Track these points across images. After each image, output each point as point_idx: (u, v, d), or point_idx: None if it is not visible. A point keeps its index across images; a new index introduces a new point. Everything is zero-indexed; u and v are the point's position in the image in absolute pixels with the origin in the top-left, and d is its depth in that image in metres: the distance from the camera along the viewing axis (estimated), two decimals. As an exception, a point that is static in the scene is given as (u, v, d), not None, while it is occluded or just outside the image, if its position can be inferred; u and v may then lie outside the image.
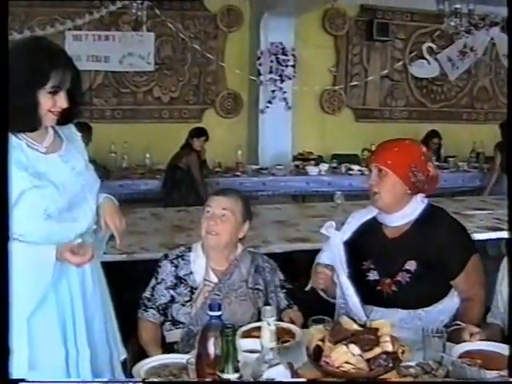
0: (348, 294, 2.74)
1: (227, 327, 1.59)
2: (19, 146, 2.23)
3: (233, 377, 1.55)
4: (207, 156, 7.80)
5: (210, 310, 1.76)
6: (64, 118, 2.34)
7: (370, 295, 2.75)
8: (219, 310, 1.76)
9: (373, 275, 2.78)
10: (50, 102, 2.24)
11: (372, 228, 2.85)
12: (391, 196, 2.71)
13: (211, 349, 1.75)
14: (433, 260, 2.69)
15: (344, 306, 2.77)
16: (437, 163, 8.29)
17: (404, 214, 2.76)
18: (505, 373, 2.08)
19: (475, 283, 2.73)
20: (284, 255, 4.01)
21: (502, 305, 2.58)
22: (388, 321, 2.42)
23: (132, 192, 7.34)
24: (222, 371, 1.56)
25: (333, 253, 2.78)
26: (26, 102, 2.19)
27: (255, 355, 1.85)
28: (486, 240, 4.70)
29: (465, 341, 2.34)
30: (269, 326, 1.66)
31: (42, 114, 2.25)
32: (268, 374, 1.63)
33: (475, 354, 2.22)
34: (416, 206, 2.77)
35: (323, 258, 2.83)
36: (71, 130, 2.48)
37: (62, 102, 2.26)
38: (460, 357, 2.17)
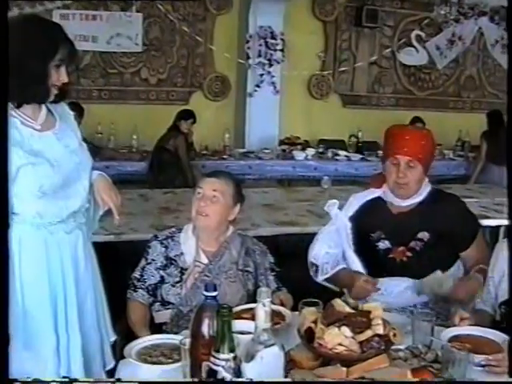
0: (355, 268, 2.83)
1: (224, 307, 1.60)
2: (14, 123, 2.22)
3: (228, 357, 1.56)
4: (194, 139, 7.77)
5: (206, 290, 1.77)
6: (58, 94, 2.35)
7: (378, 265, 2.84)
8: (215, 290, 1.77)
9: (384, 244, 2.87)
10: (55, 76, 2.27)
11: (376, 205, 2.95)
12: (417, 186, 2.87)
13: (205, 329, 1.76)
14: (444, 232, 2.81)
15: None
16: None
17: (416, 196, 2.91)
18: (492, 357, 2.12)
19: (483, 257, 2.83)
20: (270, 238, 4.03)
21: (493, 291, 2.61)
22: (394, 290, 2.74)
23: (118, 173, 7.30)
24: (218, 351, 1.57)
25: (338, 231, 2.89)
26: (37, 73, 2.21)
27: (246, 336, 1.87)
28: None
29: (454, 325, 2.38)
30: (264, 307, 1.67)
31: (49, 87, 2.27)
32: (262, 355, 1.64)
33: (464, 338, 2.26)
34: (424, 188, 2.93)
35: (325, 247, 2.92)
36: (64, 108, 2.49)
37: (63, 76, 2.29)
38: (449, 341, 2.20)
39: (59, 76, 2.27)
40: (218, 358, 1.56)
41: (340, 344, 1.90)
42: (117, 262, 3.74)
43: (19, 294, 2.25)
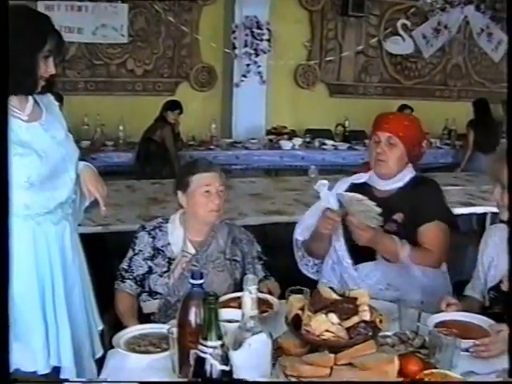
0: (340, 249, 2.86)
1: (210, 295, 1.60)
2: None
3: (216, 344, 1.56)
4: (181, 129, 7.75)
5: (192, 278, 1.77)
6: (44, 86, 2.35)
7: (358, 248, 2.82)
8: (201, 278, 1.77)
9: None
10: (43, 67, 2.27)
11: (362, 189, 2.90)
12: (396, 165, 2.88)
13: (193, 317, 1.76)
14: (414, 212, 2.82)
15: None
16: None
17: (397, 180, 2.91)
18: (478, 342, 2.13)
19: (437, 244, 2.84)
20: (257, 228, 4.03)
21: (482, 277, 2.61)
22: (373, 276, 2.74)
23: (105, 165, 7.28)
24: (206, 339, 1.57)
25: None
26: (26, 65, 2.21)
27: (233, 325, 1.87)
28: (459, 215, 4.75)
29: (441, 311, 2.39)
30: (250, 294, 1.67)
31: (37, 78, 2.27)
32: (250, 342, 1.64)
33: (450, 324, 2.27)
34: (406, 174, 2.93)
35: (314, 222, 2.92)
36: (49, 99, 2.49)
37: (51, 67, 2.29)
38: (435, 327, 2.21)
39: (47, 67, 2.28)
40: (206, 346, 1.55)
41: (327, 330, 1.90)
42: (105, 253, 3.73)
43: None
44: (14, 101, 2.27)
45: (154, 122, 7.28)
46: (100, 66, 8.56)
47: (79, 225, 3.79)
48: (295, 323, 2.02)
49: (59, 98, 6.43)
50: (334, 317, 1.92)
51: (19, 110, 2.30)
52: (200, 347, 1.57)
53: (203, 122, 8.34)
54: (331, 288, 2.10)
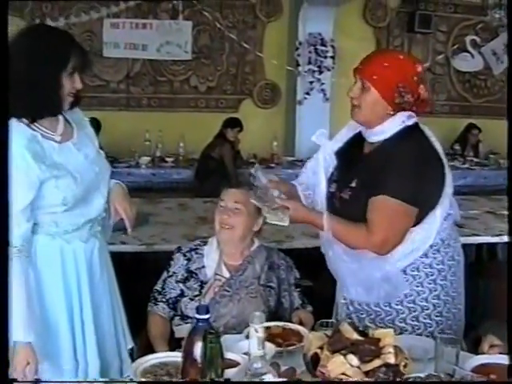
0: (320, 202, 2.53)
1: (210, 333, 1.49)
2: (34, 137, 2.21)
3: (213, 385, 1.45)
4: (243, 146, 7.74)
5: (198, 313, 1.66)
6: (72, 102, 2.31)
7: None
8: (207, 313, 1.66)
9: (331, 188, 2.53)
10: (69, 84, 2.24)
11: (355, 142, 2.58)
12: (371, 113, 2.42)
13: (197, 353, 1.65)
14: (372, 181, 2.38)
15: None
16: (476, 160, 8.09)
17: (380, 131, 2.44)
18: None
19: (379, 222, 2.34)
20: (304, 251, 3.91)
21: None
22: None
23: (164, 181, 7.32)
24: (204, 378, 1.46)
25: (326, 163, 2.53)
26: (49, 86, 2.19)
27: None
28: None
29: (483, 352, 2.17)
30: (256, 333, 1.55)
31: (63, 97, 2.24)
32: (254, 384, 1.52)
33: (492, 367, 2.05)
34: (392, 126, 2.42)
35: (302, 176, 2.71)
36: (79, 115, 2.46)
37: (77, 83, 2.26)
38: (474, 370, 2.01)
39: (73, 83, 2.24)
40: (204, 385, 1.45)
41: (343, 373, 1.75)
42: (149, 273, 3.69)
43: (36, 303, 2.21)
44: (44, 122, 2.25)
45: (213, 139, 7.29)
46: (164, 82, 8.66)
47: (124, 243, 3.78)
48: (313, 363, 1.88)
49: (98, 126, 6.42)
50: (353, 359, 1.76)
51: (52, 131, 2.27)
52: (198, 386, 1.46)
53: (265, 139, 8.31)
54: (353, 326, 1.94)
